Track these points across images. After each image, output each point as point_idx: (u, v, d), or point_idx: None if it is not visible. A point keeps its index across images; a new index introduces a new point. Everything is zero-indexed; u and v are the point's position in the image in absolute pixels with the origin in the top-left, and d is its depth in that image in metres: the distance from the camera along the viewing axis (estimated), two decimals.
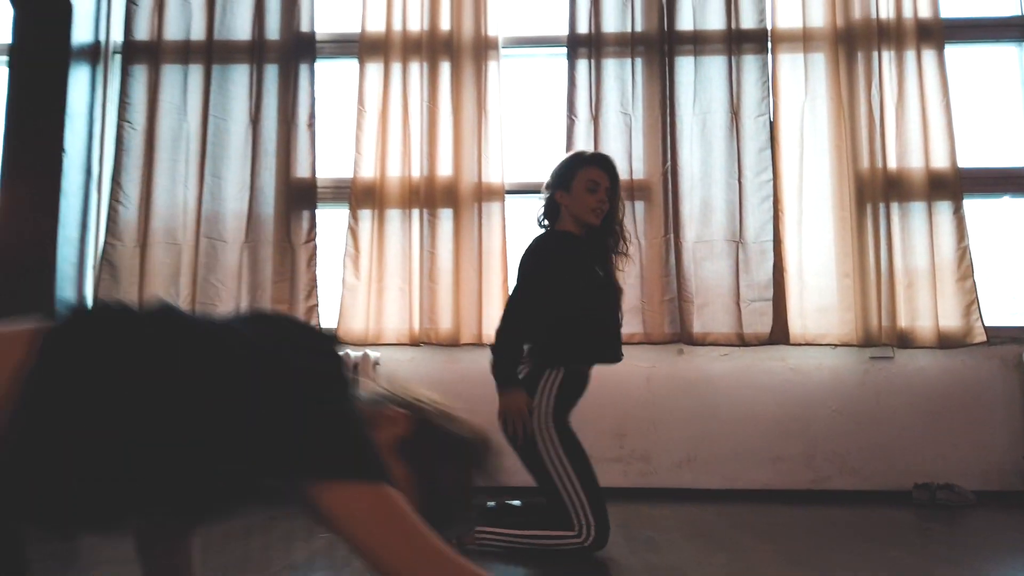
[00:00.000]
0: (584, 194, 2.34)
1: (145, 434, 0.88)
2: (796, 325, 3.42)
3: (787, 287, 3.44)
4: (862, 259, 3.45)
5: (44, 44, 3.54)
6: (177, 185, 3.60)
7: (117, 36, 3.76)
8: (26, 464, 0.86)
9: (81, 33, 3.61)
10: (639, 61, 3.64)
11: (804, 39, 3.61)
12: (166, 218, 3.57)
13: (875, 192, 3.48)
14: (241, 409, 0.90)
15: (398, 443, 1.05)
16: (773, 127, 3.55)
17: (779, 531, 2.60)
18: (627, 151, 3.56)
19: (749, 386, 3.48)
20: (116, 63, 3.74)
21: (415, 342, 3.49)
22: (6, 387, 0.86)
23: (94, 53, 3.70)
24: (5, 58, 3.65)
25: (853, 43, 3.59)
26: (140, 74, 3.68)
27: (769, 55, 3.62)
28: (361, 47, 3.69)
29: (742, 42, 3.61)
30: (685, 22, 3.64)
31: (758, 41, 3.62)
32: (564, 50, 3.69)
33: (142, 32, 3.70)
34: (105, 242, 3.54)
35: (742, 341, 3.42)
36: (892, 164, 3.50)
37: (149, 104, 3.65)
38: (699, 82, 3.60)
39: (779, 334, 3.40)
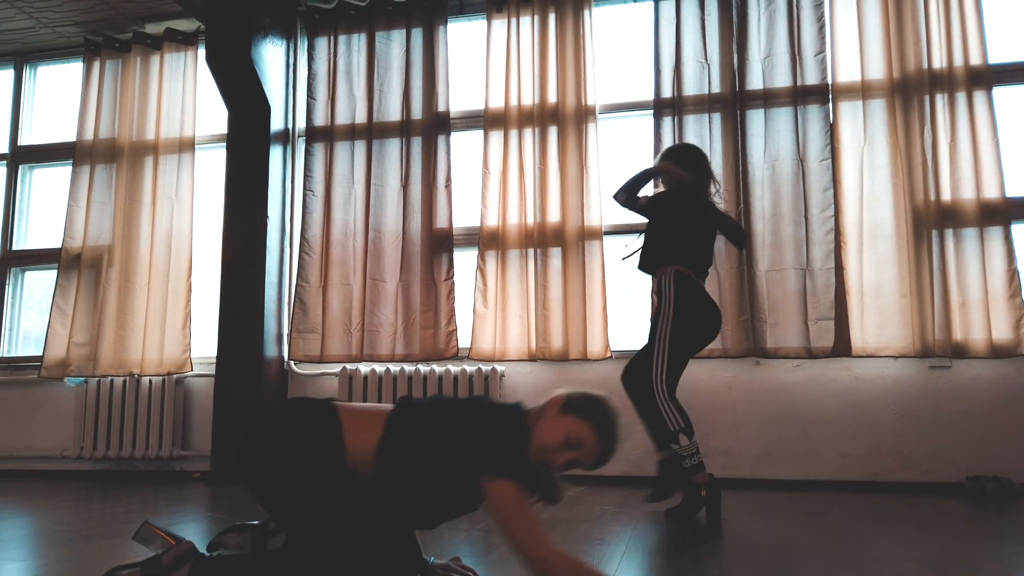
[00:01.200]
0: None
1: (452, 468, 1.60)
2: (857, 339, 3.95)
3: (849, 307, 3.98)
4: (919, 281, 3.94)
5: (251, 133, 4.67)
6: (348, 238, 4.63)
7: (301, 123, 4.86)
8: (390, 492, 1.61)
9: (276, 123, 4.72)
10: (716, 117, 4.31)
11: (863, 90, 4.14)
12: (340, 264, 4.60)
13: (930, 221, 3.96)
14: (476, 449, 1.61)
15: (563, 403, 1.63)
16: (835, 169, 4.11)
17: (843, 515, 3.09)
18: None
19: (819, 392, 4.05)
20: (301, 144, 4.84)
21: (532, 358, 4.32)
22: (373, 446, 1.60)
23: (285, 137, 4.81)
24: (223, 145, 4.82)
25: (908, 91, 4.09)
26: (318, 152, 4.76)
27: (831, 106, 4.18)
28: (485, 120, 4.58)
29: (807, 96, 4.20)
30: (755, 82, 4.28)
31: (821, 94, 4.19)
32: (651, 112, 4.42)
33: (319, 119, 4.78)
34: (297, 284, 4.62)
35: (810, 354, 4.00)
36: (946, 196, 3.96)
37: (326, 175, 4.71)
38: (768, 133, 4.22)
39: (841, 347, 3.95)
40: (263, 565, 1.67)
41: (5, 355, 5.12)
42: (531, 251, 4.42)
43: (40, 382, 4.84)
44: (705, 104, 4.33)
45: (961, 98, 4.00)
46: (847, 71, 4.19)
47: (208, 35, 4.53)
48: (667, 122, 4.36)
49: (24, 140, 5.36)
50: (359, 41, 4.80)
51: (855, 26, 4.20)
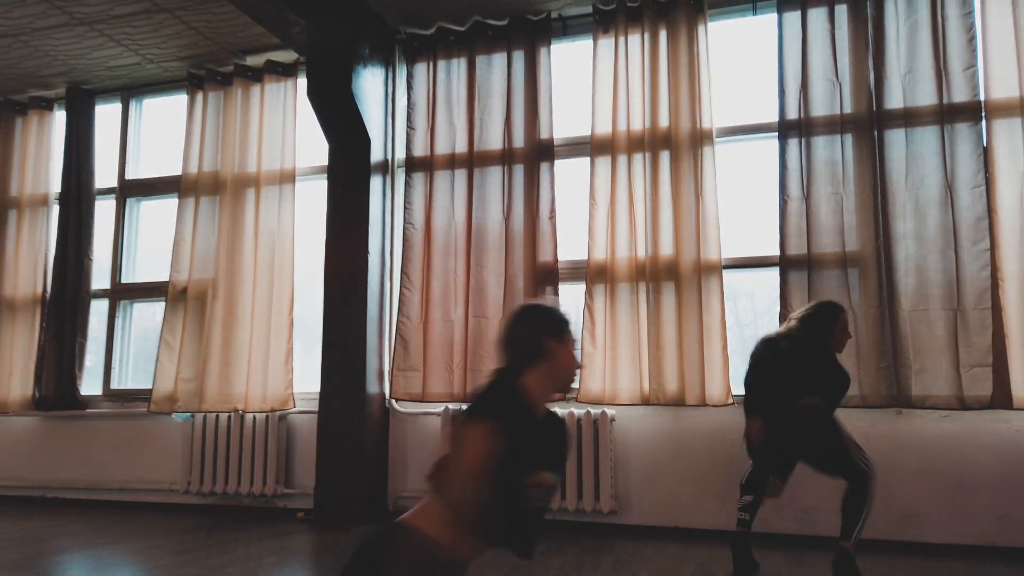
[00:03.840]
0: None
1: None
2: (1019, 389, 3.51)
3: (1009, 353, 3.54)
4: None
5: (350, 165, 4.57)
6: (449, 272, 4.47)
7: (400, 153, 4.74)
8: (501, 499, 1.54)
9: (375, 154, 4.61)
10: (848, 139, 3.93)
11: (1022, 107, 3.68)
12: (441, 300, 4.45)
13: None
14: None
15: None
16: (989, 196, 3.67)
17: None
18: (839, 227, 3.87)
19: (972, 447, 3.62)
20: (400, 175, 4.72)
21: (645, 401, 4.05)
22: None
23: (384, 168, 4.70)
24: (323, 176, 4.75)
25: None
26: (418, 182, 4.62)
27: (983, 125, 3.74)
28: (592, 147, 4.34)
29: (954, 115, 3.76)
30: (895, 100, 3.87)
31: (971, 112, 3.75)
32: (775, 135, 4.08)
33: (419, 149, 4.65)
34: (398, 320, 4.50)
35: (963, 404, 3.58)
36: None
37: (426, 207, 4.57)
38: (910, 156, 3.81)
39: (1001, 398, 3.51)
40: None
41: (116, 387, 5.21)
42: (642, 286, 4.15)
43: (149, 415, 4.90)
44: (837, 125, 3.95)
45: None
46: (1002, 86, 3.74)
47: (309, 69, 4.45)
48: (793, 145, 4.01)
49: (131, 174, 5.46)
50: (459, 67, 4.63)
51: (1011, 36, 3.74)
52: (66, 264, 5.27)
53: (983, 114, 3.74)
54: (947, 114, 3.76)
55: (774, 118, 4.08)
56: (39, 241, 5.41)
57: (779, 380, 3.07)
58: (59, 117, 5.54)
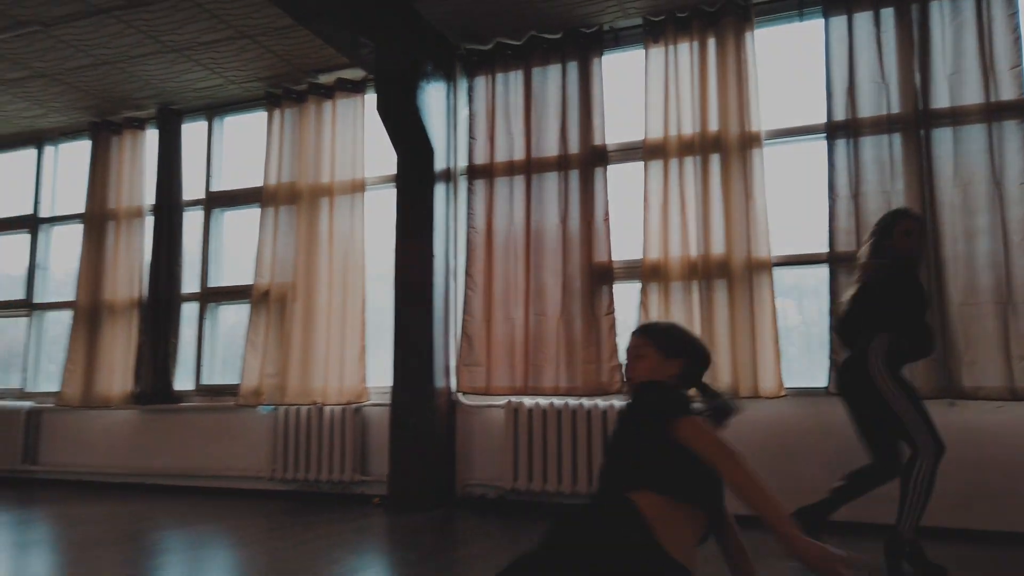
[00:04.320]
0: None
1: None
2: None
3: None
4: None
5: (416, 174, 4.89)
6: (509, 273, 4.74)
7: (462, 162, 5.03)
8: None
9: (439, 163, 4.92)
10: (896, 139, 4.03)
11: None
12: (503, 298, 4.72)
13: None
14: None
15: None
16: None
17: None
18: None
19: None
20: (463, 183, 5.01)
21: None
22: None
23: (447, 176, 5.00)
24: (391, 184, 5.08)
25: None
26: (479, 189, 4.91)
27: None
28: (644, 152, 4.54)
29: (1001, 113, 3.83)
30: (941, 100, 3.96)
31: (1017, 110, 3.81)
32: (823, 136, 4.21)
33: (480, 158, 4.93)
34: (463, 318, 4.79)
35: (1014, 395, 3.66)
36: None
37: (487, 212, 4.85)
38: (958, 154, 3.90)
39: None
40: None
41: (205, 383, 5.67)
42: (695, 283, 4.33)
43: (236, 408, 5.32)
44: (884, 125, 4.06)
45: None
46: None
47: (377, 86, 4.78)
48: (841, 145, 4.13)
49: (215, 187, 5.91)
50: (516, 79, 4.90)
51: None
52: (159, 270, 5.75)
53: None
54: (993, 112, 3.84)
55: (822, 119, 4.21)
56: (135, 250, 5.90)
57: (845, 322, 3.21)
58: (151, 135, 6.04)
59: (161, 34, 4.85)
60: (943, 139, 3.94)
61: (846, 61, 4.15)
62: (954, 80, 3.93)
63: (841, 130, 4.14)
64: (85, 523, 4.23)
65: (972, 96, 3.89)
